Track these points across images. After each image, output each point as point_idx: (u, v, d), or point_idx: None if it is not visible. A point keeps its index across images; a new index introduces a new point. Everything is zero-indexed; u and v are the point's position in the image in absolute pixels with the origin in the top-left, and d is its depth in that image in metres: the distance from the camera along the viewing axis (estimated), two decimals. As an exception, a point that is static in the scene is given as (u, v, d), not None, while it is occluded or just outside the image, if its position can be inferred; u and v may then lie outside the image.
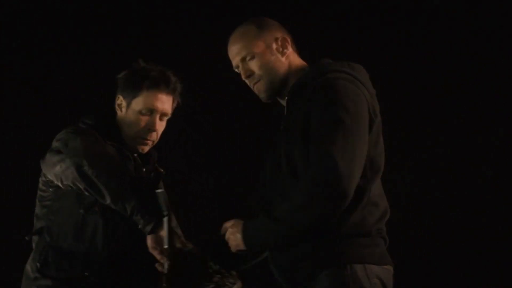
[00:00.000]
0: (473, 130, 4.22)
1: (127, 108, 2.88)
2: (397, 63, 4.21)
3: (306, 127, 2.35)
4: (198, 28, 4.37)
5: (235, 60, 2.56)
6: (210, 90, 4.30)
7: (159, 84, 2.86)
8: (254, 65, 2.52)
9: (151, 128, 2.86)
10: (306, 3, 4.32)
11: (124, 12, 4.39)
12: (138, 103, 2.85)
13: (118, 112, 2.92)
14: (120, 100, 2.90)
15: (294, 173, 2.38)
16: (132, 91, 2.86)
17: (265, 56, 2.51)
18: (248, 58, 2.52)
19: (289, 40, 2.56)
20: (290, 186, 2.38)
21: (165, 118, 2.93)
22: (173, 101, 2.92)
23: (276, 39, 2.54)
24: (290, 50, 2.55)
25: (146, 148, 2.91)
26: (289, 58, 2.55)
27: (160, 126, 2.91)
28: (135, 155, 2.90)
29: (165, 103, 2.88)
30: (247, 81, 2.57)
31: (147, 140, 2.88)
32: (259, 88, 2.54)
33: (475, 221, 4.16)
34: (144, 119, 2.86)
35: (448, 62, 4.24)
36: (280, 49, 2.54)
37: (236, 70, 2.60)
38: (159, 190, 2.63)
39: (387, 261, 2.43)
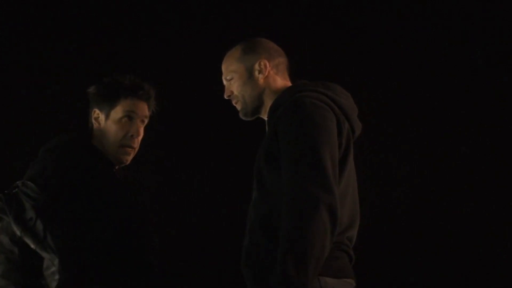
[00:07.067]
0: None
1: (106, 119, 2.94)
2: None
3: (270, 145, 2.49)
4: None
5: (223, 78, 2.78)
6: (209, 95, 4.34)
7: (135, 90, 2.95)
8: (233, 86, 2.73)
9: (133, 133, 2.93)
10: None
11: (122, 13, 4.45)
12: (117, 111, 2.92)
13: (96, 125, 2.97)
14: (97, 113, 2.96)
15: (260, 188, 2.51)
16: (109, 101, 2.93)
17: (242, 79, 2.71)
18: (228, 78, 2.74)
19: (269, 64, 2.72)
20: (258, 199, 2.51)
21: (144, 125, 3.00)
22: (148, 108, 3.00)
23: (259, 63, 2.70)
24: (269, 74, 2.71)
25: (129, 158, 2.97)
26: (268, 81, 2.71)
27: (141, 131, 2.97)
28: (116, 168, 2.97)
29: (142, 109, 2.96)
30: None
31: (131, 148, 2.94)
32: (237, 108, 2.75)
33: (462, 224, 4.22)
34: (126, 126, 2.92)
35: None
36: (259, 73, 2.70)
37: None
38: None
39: (348, 274, 2.50)
